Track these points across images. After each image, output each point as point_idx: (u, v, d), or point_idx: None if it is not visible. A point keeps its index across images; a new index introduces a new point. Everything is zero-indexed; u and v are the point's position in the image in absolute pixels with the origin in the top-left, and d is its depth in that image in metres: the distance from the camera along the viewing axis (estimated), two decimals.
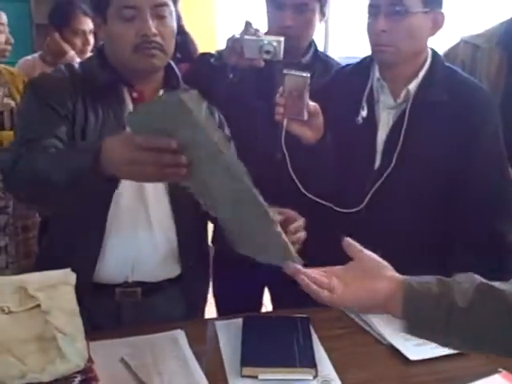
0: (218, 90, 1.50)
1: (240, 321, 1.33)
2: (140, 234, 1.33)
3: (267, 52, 1.47)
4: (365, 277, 0.90)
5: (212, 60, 1.56)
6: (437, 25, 1.43)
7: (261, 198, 0.91)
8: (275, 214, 0.97)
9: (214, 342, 1.27)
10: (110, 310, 1.35)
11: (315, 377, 1.14)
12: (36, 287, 1.05)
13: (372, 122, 1.49)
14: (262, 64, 1.50)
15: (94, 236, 1.31)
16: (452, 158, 1.42)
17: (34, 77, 1.40)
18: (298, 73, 1.34)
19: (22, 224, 2.14)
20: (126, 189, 1.30)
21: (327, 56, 1.87)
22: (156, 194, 1.34)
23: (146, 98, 1.34)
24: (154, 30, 1.27)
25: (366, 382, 1.16)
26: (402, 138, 1.43)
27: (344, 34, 4.04)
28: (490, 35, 1.91)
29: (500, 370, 1.18)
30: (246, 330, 1.28)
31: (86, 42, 2.65)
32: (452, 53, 1.96)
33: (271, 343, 1.24)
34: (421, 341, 1.07)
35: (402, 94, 1.46)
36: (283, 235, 0.96)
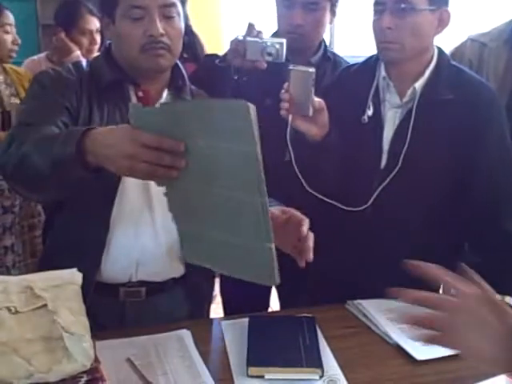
0: (223, 91, 1.50)
1: (246, 321, 1.32)
2: (144, 234, 1.33)
3: (269, 54, 1.47)
4: None
5: (217, 61, 1.57)
6: (443, 23, 1.42)
7: (269, 215, 0.91)
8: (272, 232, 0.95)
9: (220, 341, 1.27)
10: (114, 310, 1.35)
11: (321, 376, 1.14)
12: (42, 287, 1.05)
13: (378, 120, 1.49)
14: (265, 66, 1.49)
15: (98, 235, 1.31)
16: (458, 156, 1.42)
17: (39, 71, 1.40)
18: (303, 68, 1.34)
19: (28, 223, 2.15)
20: (130, 188, 1.30)
21: (337, 55, 1.85)
22: (161, 193, 1.34)
23: (151, 97, 1.34)
24: (161, 30, 1.27)
25: (372, 381, 1.15)
26: (408, 137, 1.43)
27: (350, 33, 4.04)
28: (498, 33, 1.90)
29: None
30: (252, 330, 1.28)
31: (92, 42, 2.66)
32: (459, 51, 1.95)
33: (277, 343, 1.23)
34: None
35: (408, 93, 1.45)
36: (274, 253, 0.95)
